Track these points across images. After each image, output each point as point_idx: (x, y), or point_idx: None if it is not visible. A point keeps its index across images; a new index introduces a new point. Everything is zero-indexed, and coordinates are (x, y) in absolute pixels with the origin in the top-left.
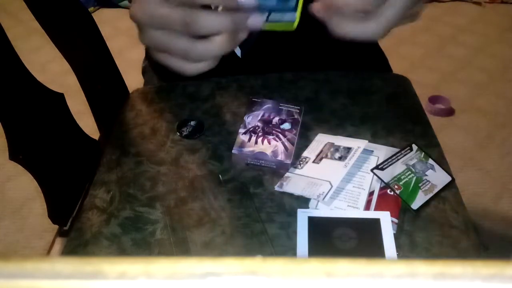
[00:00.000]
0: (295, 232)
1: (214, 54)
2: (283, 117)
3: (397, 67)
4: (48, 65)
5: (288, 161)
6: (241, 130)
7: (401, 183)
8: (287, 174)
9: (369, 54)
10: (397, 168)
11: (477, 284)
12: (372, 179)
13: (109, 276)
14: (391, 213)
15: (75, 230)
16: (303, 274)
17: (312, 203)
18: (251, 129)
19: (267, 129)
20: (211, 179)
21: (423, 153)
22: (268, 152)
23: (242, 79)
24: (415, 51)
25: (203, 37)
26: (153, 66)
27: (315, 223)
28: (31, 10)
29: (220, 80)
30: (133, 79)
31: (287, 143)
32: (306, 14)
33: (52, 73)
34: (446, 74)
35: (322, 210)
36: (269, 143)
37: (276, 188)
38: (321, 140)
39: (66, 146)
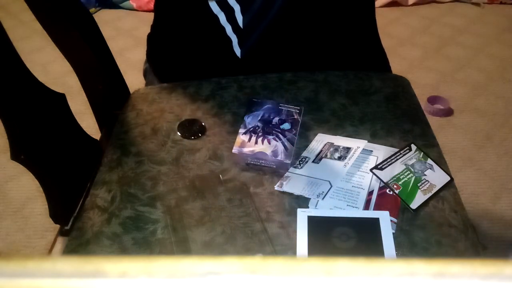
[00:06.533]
0: (295, 232)
1: None
2: (283, 117)
3: (396, 67)
4: (49, 65)
5: (288, 161)
6: (241, 130)
7: (400, 182)
8: (287, 173)
9: (368, 54)
10: (396, 168)
11: (475, 283)
12: (371, 179)
13: (110, 275)
14: (390, 212)
15: (76, 230)
16: (303, 273)
17: (311, 203)
18: (251, 129)
19: (267, 129)
20: (212, 179)
21: (422, 153)
22: (268, 152)
23: (242, 79)
24: (414, 51)
25: None
26: (154, 68)
27: (314, 223)
28: (33, 11)
29: (220, 80)
30: (134, 80)
31: (287, 143)
32: (306, 16)
33: (54, 73)
34: (445, 74)
35: (322, 210)
36: (269, 143)
37: (276, 187)
38: (320, 140)
39: (67, 146)
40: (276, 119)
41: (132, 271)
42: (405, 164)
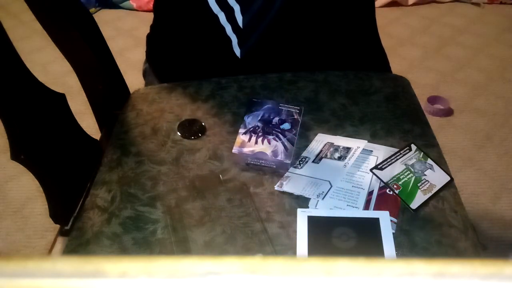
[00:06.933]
0: (295, 232)
1: None
2: (283, 117)
3: (396, 67)
4: (49, 65)
5: (288, 161)
6: (241, 130)
7: (400, 182)
8: (287, 173)
9: (368, 54)
10: (396, 168)
11: (475, 283)
12: (371, 179)
13: (110, 275)
14: (390, 212)
15: (76, 230)
16: (303, 273)
17: (311, 203)
18: (251, 129)
19: (267, 129)
20: (212, 179)
21: (422, 153)
22: (268, 152)
23: (242, 79)
24: (414, 51)
25: None
26: (154, 68)
27: (314, 223)
28: (33, 11)
29: (220, 80)
30: (134, 80)
31: (287, 143)
32: (306, 16)
33: (54, 73)
34: (445, 74)
35: (322, 210)
36: (269, 143)
37: (276, 187)
38: (320, 140)
39: (67, 146)
40: (276, 119)
41: (132, 271)
42: (405, 164)
